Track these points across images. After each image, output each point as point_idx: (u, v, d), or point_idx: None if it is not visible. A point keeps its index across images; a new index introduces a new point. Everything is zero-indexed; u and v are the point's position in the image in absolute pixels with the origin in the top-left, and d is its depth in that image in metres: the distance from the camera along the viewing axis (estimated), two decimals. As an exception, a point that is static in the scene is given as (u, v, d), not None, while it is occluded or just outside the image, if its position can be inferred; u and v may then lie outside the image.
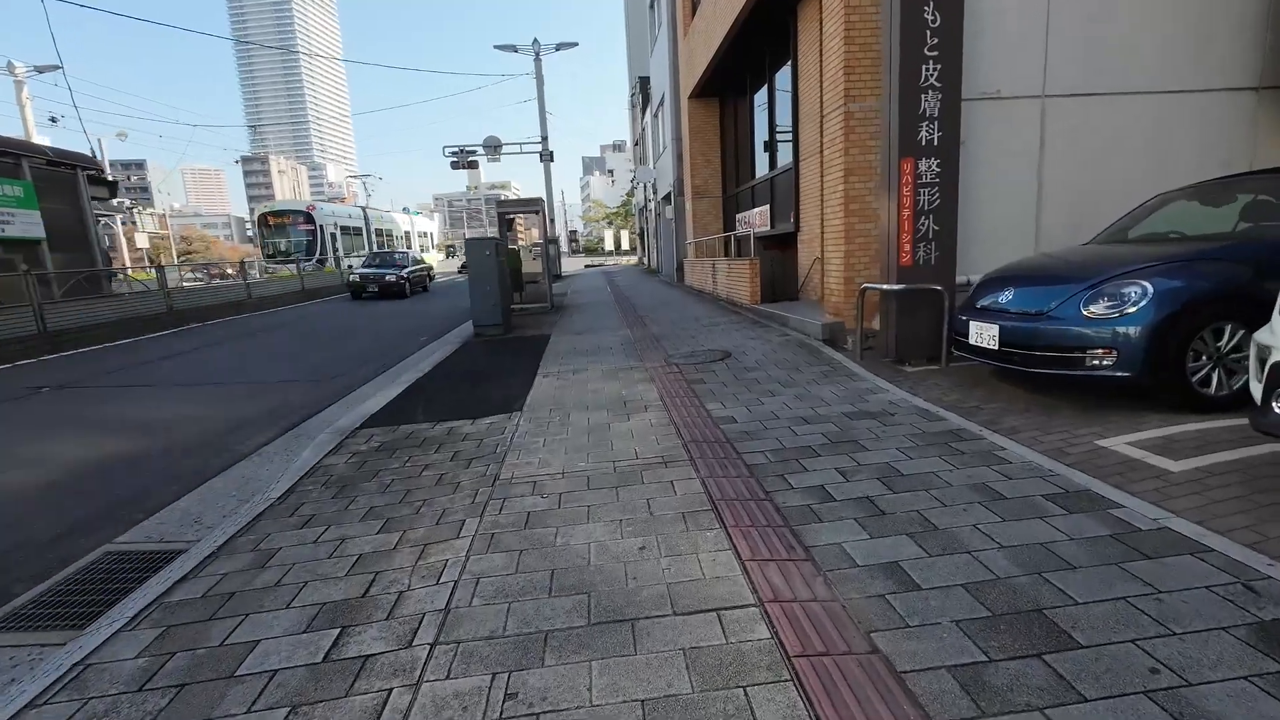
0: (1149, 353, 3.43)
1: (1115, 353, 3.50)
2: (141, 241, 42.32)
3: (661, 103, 20.39)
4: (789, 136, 11.12)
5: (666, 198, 20.42)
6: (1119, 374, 3.51)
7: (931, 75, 4.94)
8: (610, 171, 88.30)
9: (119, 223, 39.25)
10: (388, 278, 18.97)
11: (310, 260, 25.97)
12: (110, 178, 15.60)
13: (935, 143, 5.04)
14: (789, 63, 10.13)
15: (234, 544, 2.96)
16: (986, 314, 4.27)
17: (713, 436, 3.92)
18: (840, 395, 4.67)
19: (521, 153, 25.28)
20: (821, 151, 8.79)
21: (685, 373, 5.75)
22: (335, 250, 28.05)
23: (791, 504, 2.89)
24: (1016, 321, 3.97)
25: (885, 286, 5.26)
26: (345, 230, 29.44)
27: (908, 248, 5.15)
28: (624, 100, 38.53)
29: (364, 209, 33.10)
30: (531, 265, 12.81)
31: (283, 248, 26.63)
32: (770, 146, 11.84)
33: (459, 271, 34.00)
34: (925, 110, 4.98)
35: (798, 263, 10.39)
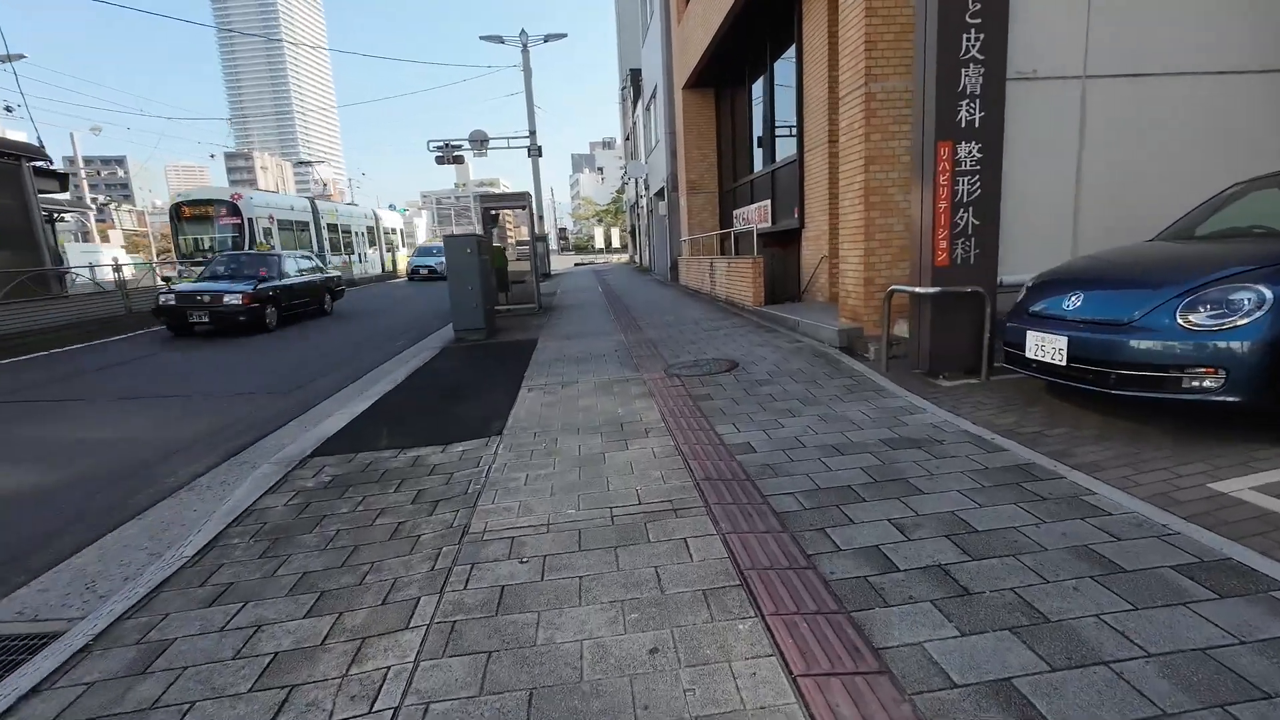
0: (1268, 372, 2.80)
1: (1223, 372, 2.88)
2: (117, 239, 41.14)
3: (654, 95, 19.72)
4: (792, 128, 10.50)
5: (659, 193, 19.76)
6: (1227, 398, 2.89)
7: (973, 46, 4.29)
8: (600, 169, 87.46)
9: (92, 219, 38.05)
10: (228, 300, 10.62)
11: None
12: (58, 169, 14.59)
13: (976, 124, 4.40)
14: (793, 47, 9.49)
15: (118, 630, 2.26)
16: (1048, 323, 3.64)
17: (729, 472, 3.26)
18: (872, 416, 4.02)
19: (509, 148, 24.48)
20: (830, 141, 8.16)
21: (689, 386, 5.09)
22: (270, 249, 23.60)
23: (843, 574, 2.23)
24: (1091, 333, 3.34)
25: (918, 289, 4.62)
26: (285, 225, 24.65)
27: (944, 245, 4.51)
28: (614, 96, 37.73)
29: (311, 199, 27.76)
30: (517, 264, 12.11)
31: (205, 244, 22.03)
32: (771, 138, 11.20)
33: (410, 277, 28.20)
34: (965, 86, 4.34)
35: (801, 261, 9.77)
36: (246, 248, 21.07)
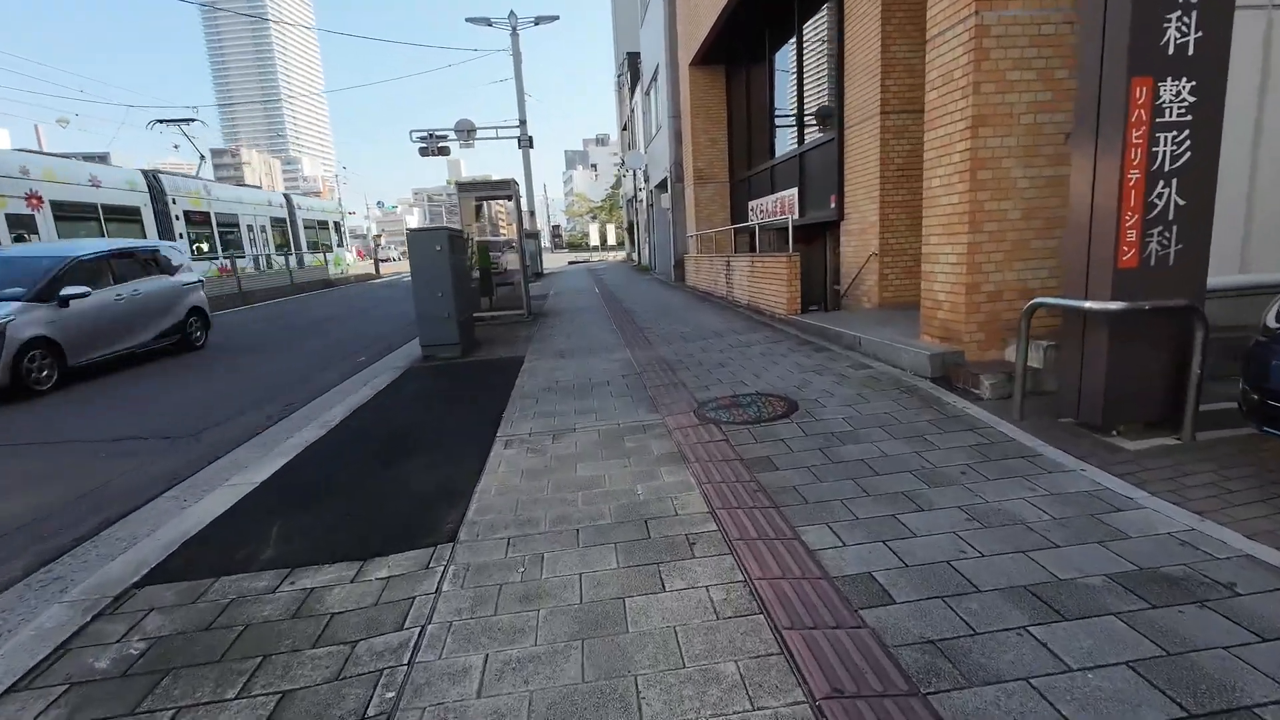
0: None
1: None
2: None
3: (655, 77, 18.12)
4: (801, 116, 8.99)
5: (661, 185, 18.17)
6: None
7: (1194, -76, 2.75)
8: (594, 165, 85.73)
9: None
10: None
11: None
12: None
13: (1190, 50, 2.86)
14: (825, 6, 7.93)
15: None
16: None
17: (870, 667, 1.70)
18: (1054, 513, 2.48)
19: (498, 138, 22.84)
20: (883, 113, 6.63)
21: (735, 441, 3.53)
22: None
23: None
24: None
25: (1087, 304, 3.07)
26: (73, 211, 13.96)
27: (1133, 236, 2.97)
28: (609, 90, 36.01)
29: (146, 172, 16.82)
30: (498, 263, 10.52)
31: None
32: (799, 117, 9.64)
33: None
34: (1178, -11, 2.80)
35: (839, 260, 8.22)
36: None
